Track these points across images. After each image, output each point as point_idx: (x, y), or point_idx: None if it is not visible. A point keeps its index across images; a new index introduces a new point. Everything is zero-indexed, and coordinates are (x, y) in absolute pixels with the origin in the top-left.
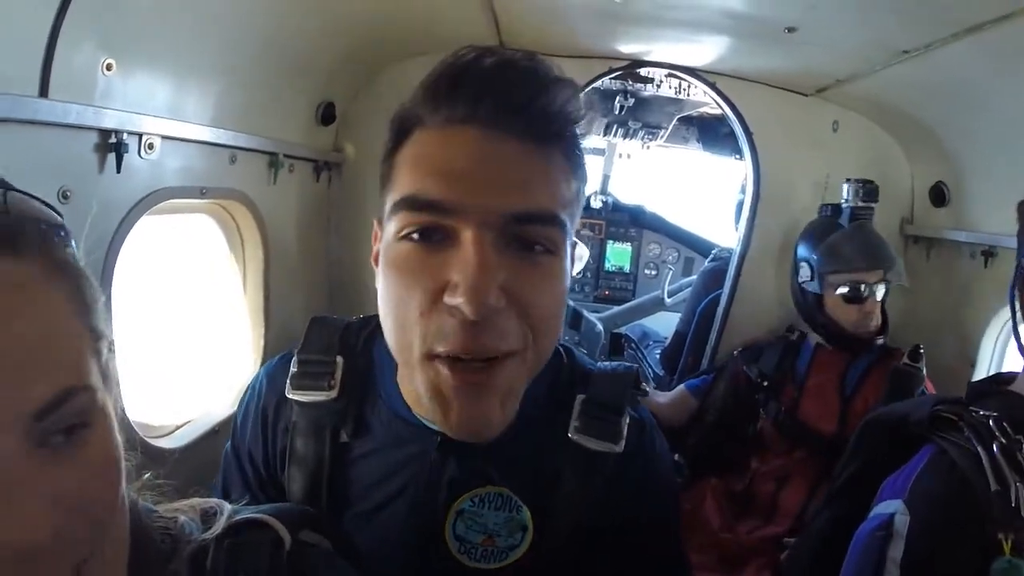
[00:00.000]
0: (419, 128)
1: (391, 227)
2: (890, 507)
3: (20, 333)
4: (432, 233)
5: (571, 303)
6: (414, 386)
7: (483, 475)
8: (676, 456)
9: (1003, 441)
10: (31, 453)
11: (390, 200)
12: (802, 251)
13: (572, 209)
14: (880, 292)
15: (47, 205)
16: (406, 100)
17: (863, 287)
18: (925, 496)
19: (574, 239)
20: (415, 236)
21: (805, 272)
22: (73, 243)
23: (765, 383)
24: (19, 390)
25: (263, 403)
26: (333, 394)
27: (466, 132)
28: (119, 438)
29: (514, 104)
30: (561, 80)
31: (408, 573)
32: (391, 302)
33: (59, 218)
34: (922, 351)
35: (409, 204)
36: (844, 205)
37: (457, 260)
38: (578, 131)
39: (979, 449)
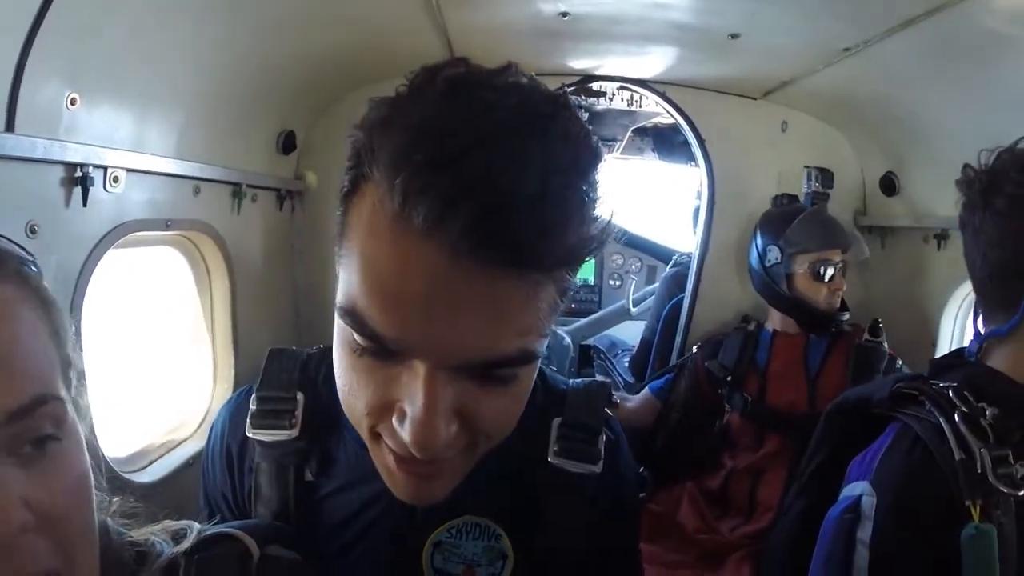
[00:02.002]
0: (372, 190)
1: (337, 320)
2: (856, 489)
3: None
4: (379, 351)
5: None
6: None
7: (459, 505)
8: (641, 469)
9: (964, 410)
10: (2, 458)
11: (340, 280)
12: (765, 238)
13: (554, 317)
14: (842, 269)
15: (13, 242)
16: (359, 127)
17: (829, 266)
18: (890, 474)
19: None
20: (362, 351)
21: (774, 255)
22: (41, 275)
23: (728, 376)
24: None
25: (226, 444)
26: (295, 432)
27: (424, 249)
28: (88, 462)
29: (499, 231)
30: (579, 176)
31: None
32: (340, 384)
33: (28, 254)
34: (881, 325)
35: (352, 322)
36: (805, 191)
37: (407, 385)
38: (596, 247)
39: (941, 420)
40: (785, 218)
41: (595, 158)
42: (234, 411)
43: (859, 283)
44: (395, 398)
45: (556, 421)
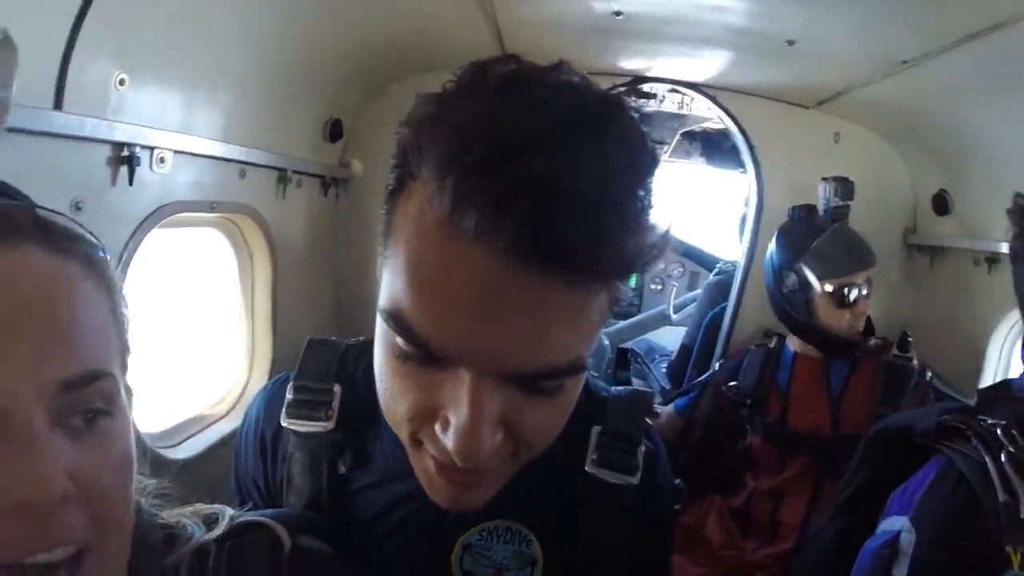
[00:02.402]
0: (420, 189)
1: (379, 322)
2: (896, 524)
3: (59, 314)
4: (423, 357)
5: None
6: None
7: (492, 508)
8: (677, 481)
9: (1011, 450)
10: (51, 425)
11: (384, 282)
12: (780, 258)
13: (606, 320)
14: (866, 291)
15: (81, 225)
16: (406, 123)
17: (853, 289)
18: (932, 512)
19: None
20: (406, 358)
21: (791, 280)
22: (107, 258)
23: (748, 401)
24: (51, 360)
25: (260, 430)
26: (330, 424)
27: (476, 253)
28: (134, 443)
29: (553, 235)
30: (635, 181)
31: None
32: (381, 388)
33: (96, 239)
34: (910, 339)
35: (396, 326)
36: (823, 205)
37: (452, 392)
38: (651, 259)
39: (987, 459)
40: (803, 237)
41: (653, 161)
42: (270, 398)
43: (905, 304)
44: (439, 405)
45: (596, 430)
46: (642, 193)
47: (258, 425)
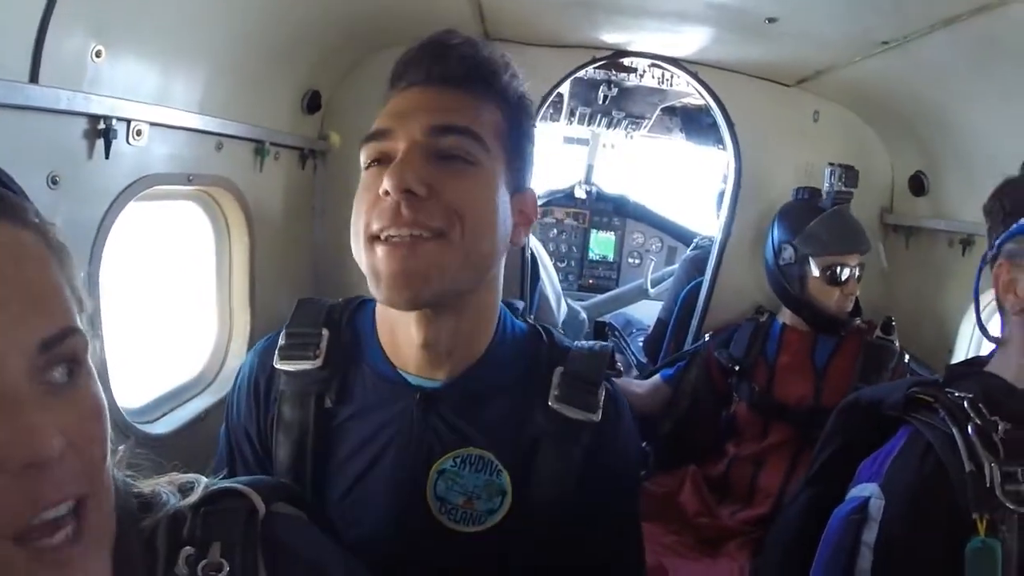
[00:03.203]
0: (389, 97)
1: (362, 167)
2: (865, 490)
3: (30, 279)
4: (381, 159)
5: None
6: (364, 269)
7: (464, 436)
8: (644, 444)
9: (978, 422)
10: (35, 383)
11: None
12: (780, 234)
13: (502, 140)
14: (857, 273)
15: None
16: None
17: (845, 269)
18: (900, 479)
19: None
20: (369, 165)
21: (788, 254)
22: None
23: (737, 367)
24: (28, 322)
25: (254, 377)
26: (318, 363)
27: (413, 90)
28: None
29: (436, 65)
30: (474, 42)
31: (391, 533)
32: (355, 216)
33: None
34: (894, 323)
35: (367, 138)
36: (826, 189)
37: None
38: (497, 73)
39: (954, 430)
40: (803, 215)
41: (486, 44)
42: (263, 349)
43: (879, 283)
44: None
45: (558, 370)
46: (484, 47)
47: (252, 374)
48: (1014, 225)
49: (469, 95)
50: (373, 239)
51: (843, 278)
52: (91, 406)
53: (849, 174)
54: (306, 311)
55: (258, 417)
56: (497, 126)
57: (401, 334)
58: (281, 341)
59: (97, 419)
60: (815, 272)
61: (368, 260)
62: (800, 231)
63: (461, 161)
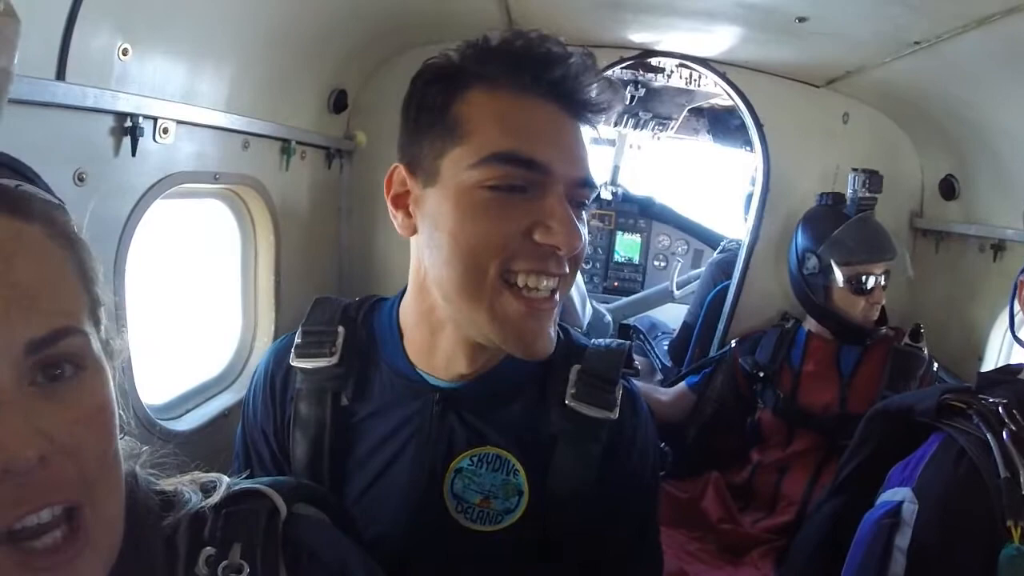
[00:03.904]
0: (482, 86)
1: (470, 175)
2: (898, 495)
3: (21, 276)
4: (518, 185)
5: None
6: (475, 319)
7: (481, 435)
8: (663, 445)
9: (1012, 428)
10: (20, 386)
11: (467, 153)
12: (804, 242)
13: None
14: (883, 282)
15: (50, 192)
16: (438, 55)
17: (871, 278)
18: (934, 484)
19: None
20: (501, 186)
21: (812, 263)
22: (73, 220)
23: (762, 374)
24: (15, 324)
25: (271, 376)
26: (334, 360)
27: (543, 103)
28: (114, 394)
29: (582, 91)
30: (607, 77)
31: (408, 531)
32: (463, 239)
33: (56, 199)
34: (923, 330)
35: (502, 159)
36: (850, 195)
37: (545, 209)
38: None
39: (988, 436)
40: (827, 222)
41: (615, 81)
42: (279, 348)
43: (907, 289)
44: (533, 220)
45: (575, 368)
46: (615, 86)
47: (268, 373)
48: None
49: (584, 134)
50: (505, 276)
51: (869, 287)
52: (89, 408)
53: (873, 179)
54: (322, 309)
55: (275, 416)
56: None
57: (442, 349)
58: (297, 339)
59: (95, 422)
60: (840, 281)
61: (492, 302)
62: (824, 239)
63: (584, 209)
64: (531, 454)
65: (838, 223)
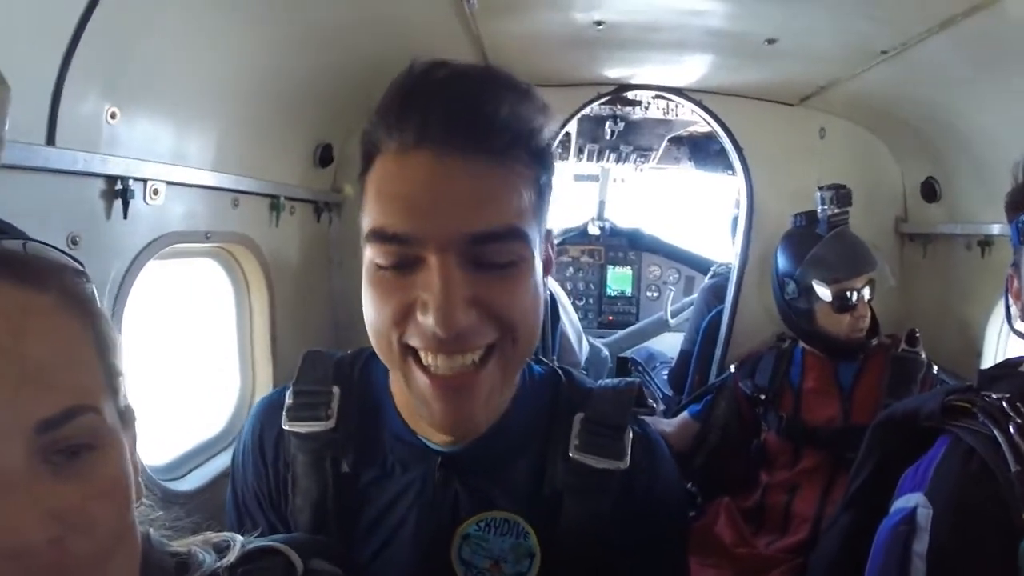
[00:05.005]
0: (379, 155)
1: (366, 254)
2: (911, 500)
3: (31, 351)
4: (401, 262)
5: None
6: (401, 387)
7: (487, 498)
8: (688, 485)
9: (1019, 421)
10: (31, 465)
11: (364, 228)
12: (783, 266)
13: (538, 212)
14: (867, 294)
15: (63, 251)
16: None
17: (852, 294)
18: (945, 485)
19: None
20: (384, 265)
21: (791, 288)
22: (91, 285)
23: (763, 396)
24: (24, 403)
25: (258, 439)
26: (331, 424)
27: (418, 157)
28: (130, 467)
29: (462, 122)
30: (510, 86)
31: None
32: (369, 317)
33: (75, 261)
34: (918, 335)
35: (376, 237)
36: (820, 214)
37: (424, 280)
38: (539, 129)
39: (995, 432)
40: (802, 244)
41: (526, 84)
42: (267, 407)
43: (899, 295)
44: (416, 296)
45: (579, 416)
46: (520, 93)
47: (256, 434)
48: (1012, 236)
49: (504, 164)
50: (407, 350)
51: (852, 302)
52: (103, 484)
53: (840, 194)
54: (313, 366)
55: (268, 478)
56: (532, 186)
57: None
58: (288, 400)
59: (109, 496)
60: (822, 302)
61: (404, 373)
62: (800, 261)
63: (509, 266)
64: (540, 513)
65: (814, 243)
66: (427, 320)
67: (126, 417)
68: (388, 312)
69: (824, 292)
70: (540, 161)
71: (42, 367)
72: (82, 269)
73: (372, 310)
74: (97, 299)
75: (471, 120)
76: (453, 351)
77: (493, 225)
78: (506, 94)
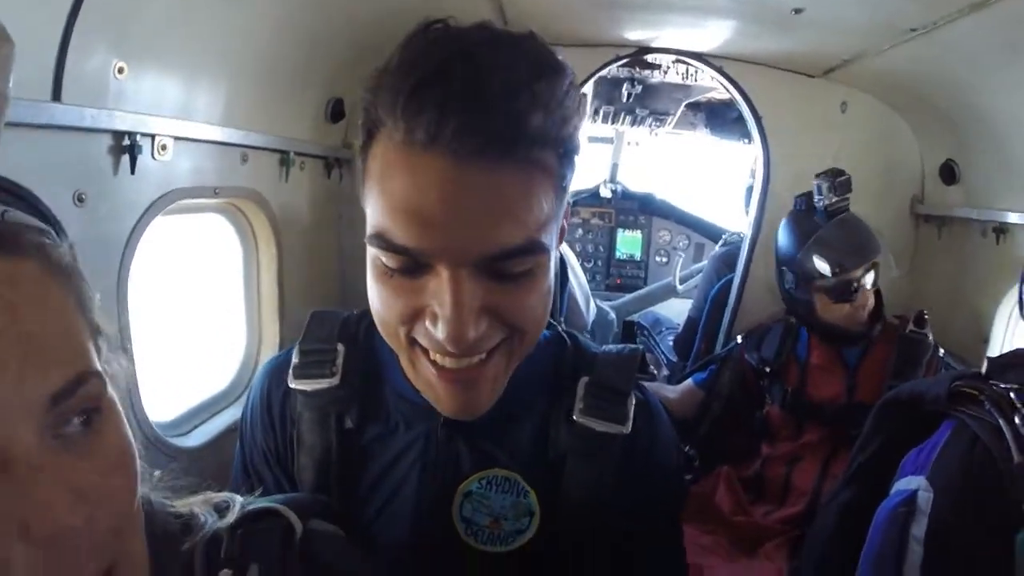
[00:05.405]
0: (383, 132)
1: (369, 249)
2: (912, 483)
3: (31, 324)
4: (409, 267)
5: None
6: (402, 362)
7: (489, 457)
8: (687, 448)
9: None
10: (45, 443)
11: (368, 222)
12: (783, 251)
13: (558, 212)
14: (869, 281)
15: (38, 215)
16: (367, 89)
17: (853, 283)
18: (947, 471)
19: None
20: (393, 268)
21: (789, 279)
22: (66, 241)
23: (768, 369)
24: (33, 380)
25: (267, 397)
26: (336, 380)
27: (430, 160)
28: (129, 432)
29: (484, 125)
30: (545, 75)
31: (417, 554)
32: (375, 309)
33: (48, 226)
34: (927, 316)
35: (380, 243)
36: (818, 204)
37: (435, 289)
38: (573, 131)
39: (1000, 421)
40: (801, 233)
41: (557, 63)
42: (275, 367)
43: (910, 275)
44: (425, 304)
45: (583, 380)
46: (548, 83)
47: (264, 393)
48: None
49: (526, 170)
50: (414, 341)
51: (853, 291)
52: (114, 453)
53: (838, 183)
54: (320, 325)
55: (275, 437)
56: (555, 189)
57: None
58: (295, 359)
59: (121, 467)
60: (819, 296)
61: (410, 359)
62: (799, 251)
63: (524, 275)
64: (541, 473)
65: (813, 231)
66: (436, 332)
67: (113, 376)
68: (396, 312)
69: (821, 284)
70: (568, 162)
71: (42, 340)
72: (51, 229)
73: (379, 305)
74: (70, 258)
75: (494, 124)
76: (461, 356)
77: (511, 243)
78: (541, 90)
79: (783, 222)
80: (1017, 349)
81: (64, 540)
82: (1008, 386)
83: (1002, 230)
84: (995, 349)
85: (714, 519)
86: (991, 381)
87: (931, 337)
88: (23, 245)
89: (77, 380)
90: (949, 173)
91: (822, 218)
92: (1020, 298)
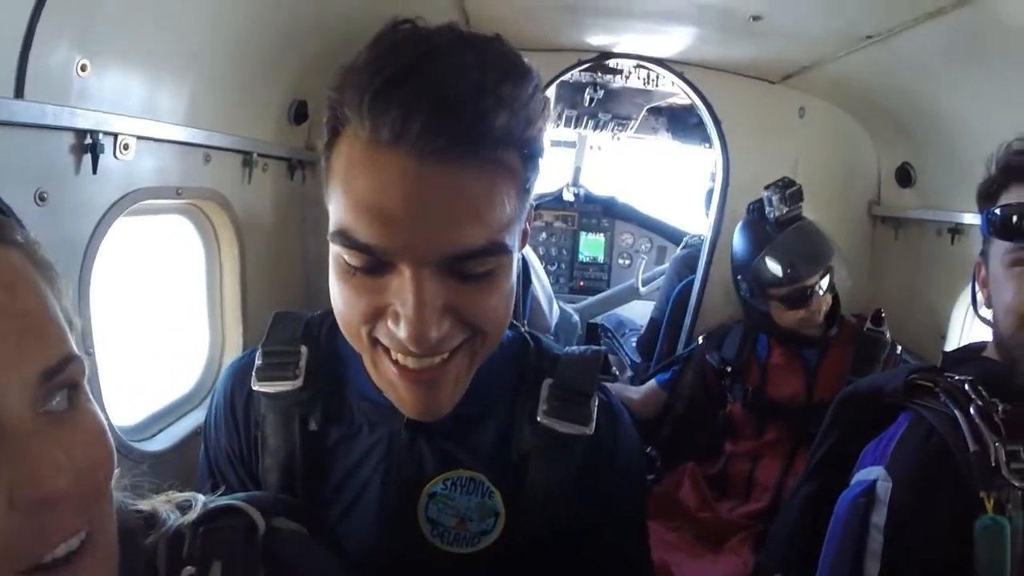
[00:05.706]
0: (347, 130)
1: (332, 247)
2: (871, 474)
3: (26, 304)
4: (372, 266)
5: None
6: (366, 363)
7: (454, 458)
8: (648, 449)
9: (979, 403)
10: (37, 414)
11: (331, 219)
12: (738, 260)
13: (521, 213)
14: (824, 286)
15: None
16: (333, 88)
17: (807, 290)
18: (905, 461)
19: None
20: (356, 266)
21: (744, 287)
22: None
23: (729, 369)
24: (30, 354)
25: (230, 399)
26: (299, 383)
27: (394, 158)
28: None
29: (449, 125)
30: (511, 77)
31: (383, 556)
32: (337, 308)
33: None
34: (884, 315)
35: (343, 241)
36: (769, 215)
37: (397, 288)
38: (538, 133)
39: (956, 412)
40: (755, 242)
41: (523, 66)
42: (239, 368)
43: (868, 276)
44: (387, 303)
45: (547, 382)
46: (514, 83)
47: (228, 396)
48: (982, 226)
49: (490, 171)
50: (376, 341)
51: (807, 300)
52: (94, 430)
53: (790, 193)
54: (282, 327)
55: (239, 439)
56: (519, 191)
57: None
58: (258, 361)
59: (100, 442)
60: (774, 301)
61: (372, 359)
62: (753, 260)
63: (486, 275)
64: (505, 474)
65: (766, 240)
66: (398, 331)
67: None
68: (358, 311)
69: (774, 294)
70: (531, 165)
71: (37, 319)
72: (16, 222)
73: (341, 303)
74: (45, 254)
75: (460, 124)
76: (423, 355)
77: (474, 243)
78: (506, 92)
79: (737, 230)
80: (970, 344)
81: (61, 503)
82: (962, 378)
83: (956, 231)
84: (952, 344)
85: (679, 515)
86: (946, 374)
87: (889, 335)
88: (12, 238)
89: (67, 359)
90: (905, 176)
91: (774, 228)
92: (973, 295)
